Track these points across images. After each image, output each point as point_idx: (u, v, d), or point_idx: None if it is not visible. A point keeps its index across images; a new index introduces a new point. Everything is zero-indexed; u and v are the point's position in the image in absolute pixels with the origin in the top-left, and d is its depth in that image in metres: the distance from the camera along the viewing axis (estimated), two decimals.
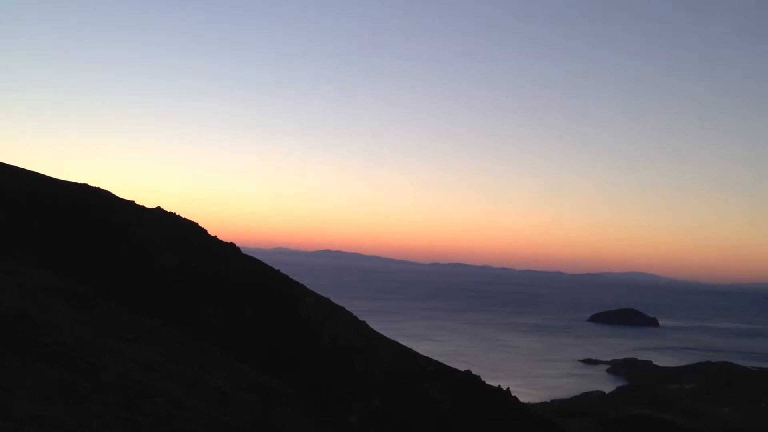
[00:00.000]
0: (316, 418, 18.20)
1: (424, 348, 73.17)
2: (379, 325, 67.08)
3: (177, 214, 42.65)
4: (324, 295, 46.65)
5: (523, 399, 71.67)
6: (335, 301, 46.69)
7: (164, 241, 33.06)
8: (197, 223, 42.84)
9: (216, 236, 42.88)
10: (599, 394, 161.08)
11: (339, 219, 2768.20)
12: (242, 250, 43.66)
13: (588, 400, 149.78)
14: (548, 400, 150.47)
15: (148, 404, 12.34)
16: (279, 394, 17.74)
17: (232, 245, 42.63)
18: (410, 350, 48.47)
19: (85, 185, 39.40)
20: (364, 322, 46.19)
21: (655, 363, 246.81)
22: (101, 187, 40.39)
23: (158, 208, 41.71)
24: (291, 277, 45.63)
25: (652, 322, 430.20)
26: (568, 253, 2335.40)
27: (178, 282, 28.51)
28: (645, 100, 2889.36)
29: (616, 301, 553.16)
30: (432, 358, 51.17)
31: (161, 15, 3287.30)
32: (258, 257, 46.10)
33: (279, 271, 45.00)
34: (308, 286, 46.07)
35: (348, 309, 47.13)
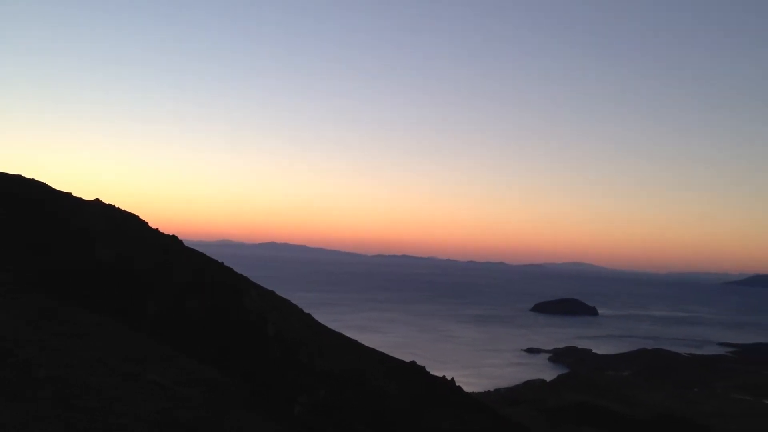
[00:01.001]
0: (260, 410, 17.96)
1: (369, 339, 73.30)
2: (325, 317, 66.91)
3: (116, 206, 41.59)
4: (269, 287, 46.22)
5: (467, 388, 72.68)
6: (280, 293, 46.36)
7: (102, 233, 32.13)
8: (137, 216, 41.85)
9: (157, 228, 41.98)
10: (541, 382, 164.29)
11: (285, 211, 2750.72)
12: (185, 243, 42.86)
13: (530, 388, 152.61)
14: (492, 389, 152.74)
15: (84, 400, 11.95)
16: (222, 388, 17.44)
17: (173, 238, 41.79)
18: (355, 342, 48.49)
19: (19, 176, 38.00)
20: (309, 314, 45.97)
21: (594, 351, 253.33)
22: (36, 179, 39.09)
23: (96, 201, 40.57)
24: (235, 269, 45.05)
25: (592, 312, 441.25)
26: (510, 245, 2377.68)
27: (116, 275, 27.77)
28: (580, 91, 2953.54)
29: (557, 292, 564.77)
30: (377, 349, 51.36)
31: None
32: (201, 250, 45.36)
33: (222, 263, 44.37)
34: (252, 279, 45.58)
35: (293, 301, 46.84)
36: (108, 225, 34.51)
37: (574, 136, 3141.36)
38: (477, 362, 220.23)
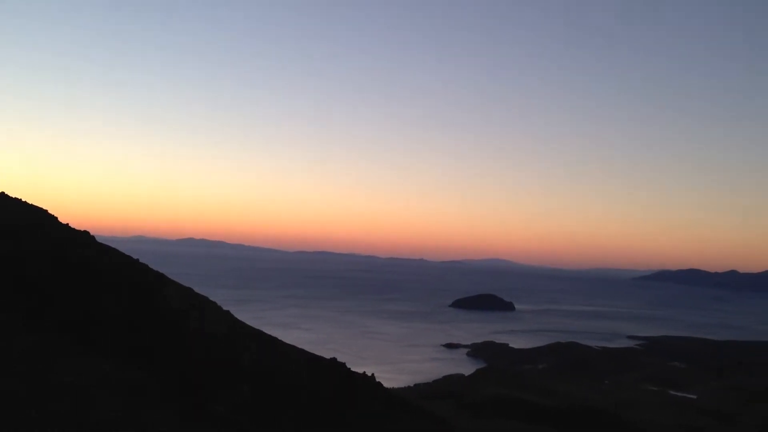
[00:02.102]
0: (180, 410, 17.52)
1: (290, 336, 72.73)
2: (245, 314, 65.92)
3: (24, 200, 39.76)
4: (187, 284, 45.11)
5: (387, 384, 73.09)
6: (199, 290, 45.31)
7: (6, 229, 30.58)
8: (46, 210, 40.12)
9: (68, 224, 40.35)
10: (460, 377, 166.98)
11: (203, 207, 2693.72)
12: (97, 239, 41.35)
13: (449, 382, 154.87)
14: (412, 385, 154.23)
15: None
16: (140, 388, 16.90)
17: (85, 233, 40.25)
18: (276, 339, 47.97)
19: None
20: (228, 311, 45.15)
21: (511, 345, 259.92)
22: None
23: (2, 194, 38.72)
24: (151, 266, 43.79)
25: (509, 307, 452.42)
26: (431, 242, 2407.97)
27: (24, 272, 26.50)
28: (502, 90, 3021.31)
29: (476, 288, 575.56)
30: (298, 346, 50.96)
31: None
32: (115, 246, 43.88)
33: (138, 260, 43.04)
34: (170, 276, 44.38)
35: (212, 299, 45.87)
36: (15, 219, 32.91)
37: (492, 135, 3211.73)
38: (397, 358, 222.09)
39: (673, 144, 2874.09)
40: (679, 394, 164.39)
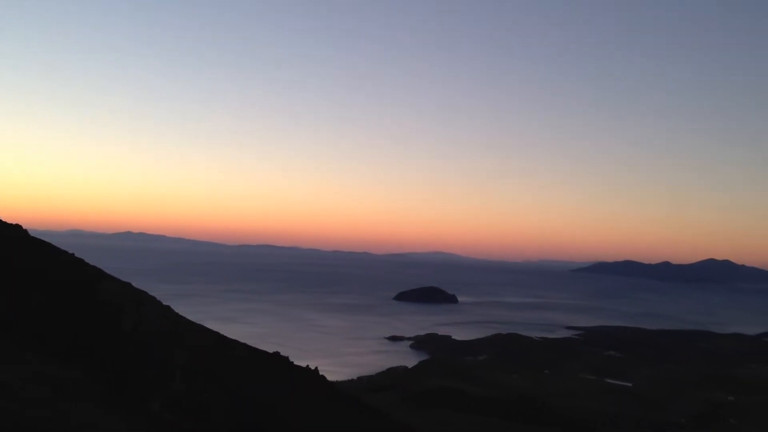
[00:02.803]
0: (115, 407, 17.19)
1: (233, 331, 71.84)
2: (186, 309, 64.87)
3: None
4: (124, 279, 44.17)
5: (331, 377, 73.15)
6: (137, 285, 44.40)
7: None
8: None
9: None
10: (403, 369, 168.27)
11: (141, 199, 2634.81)
12: (30, 233, 40.07)
13: (393, 374, 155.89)
14: (355, 377, 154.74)
15: None
16: (74, 385, 16.51)
17: (17, 227, 38.95)
18: (217, 333, 47.41)
19: None
20: (168, 306, 44.37)
21: (453, 337, 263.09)
22: None
23: None
24: (87, 260, 42.69)
25: (452, 299, 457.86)
26: (375, 235, 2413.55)
27: None
28: (449, 90, 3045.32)
29: (419, 280, 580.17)
30: (240, 340, 50.46)
31: None
32: (49, 240, 42.63)
33: (73, 254, 41.90)
34: (106, 270, 43.37)
35: (151, 293, 45.02)
36: None
37: (433, 129, 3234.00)
38: (341, 351, 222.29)
39: (608, 141, 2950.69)
40: (614, 382, 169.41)
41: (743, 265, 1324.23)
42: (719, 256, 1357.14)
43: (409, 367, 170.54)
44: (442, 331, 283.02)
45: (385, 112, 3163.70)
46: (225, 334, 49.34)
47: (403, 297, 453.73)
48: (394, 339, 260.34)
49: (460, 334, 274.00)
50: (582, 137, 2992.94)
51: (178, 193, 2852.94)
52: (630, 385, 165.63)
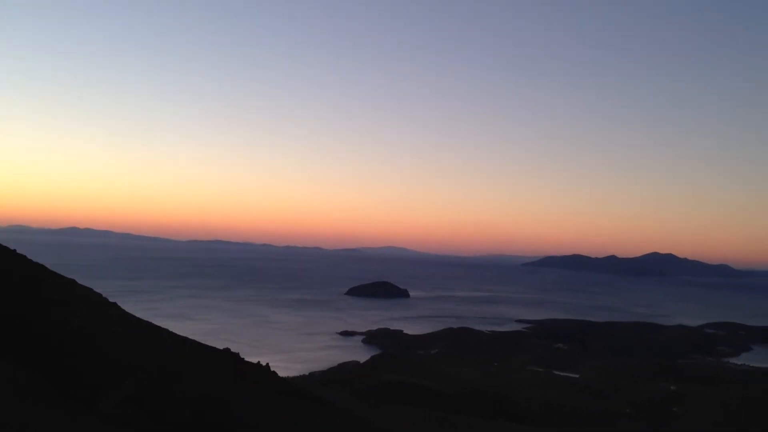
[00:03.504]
0: (63, 407, 16.88)
1: (183, 328, 71.15)
2: (135, 306, 63.98)
3: None
4: (70, 276, 43.28)
5: (283, 373, 72.88)
6: (83, 282, 43.57)
7: None
8: None
9: None
10: (355, 364, 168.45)
11: (87, 194, 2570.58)
12: None
13: (345, 370, 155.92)
14: (307, 373, 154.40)
15: None
16: (19, 385, 16.15)
17: None
18: (167, 331, 46.79)
19: None
20: (116, 303, 43.65)
21: (405, 331, 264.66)
22: None
23: None
24: (30, 257, 41.68)
25: (404, 294, 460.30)
26: (327, 230, 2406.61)
27: None
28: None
29: (371, 275, 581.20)
30: (190, 337, 49.91)
31: None
32: None
33: (15, 251, 40.82)
34: (51, 267, 42.42)
35: (98, 290, 44.23)
36: None
37: (386, 124, 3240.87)
38: (292, 347, 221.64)
39: (555, 139, 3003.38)
40: (562, 374, 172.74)
41: (685, 259, 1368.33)
42: (663, 250, 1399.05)
43: (361, 361, 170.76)
44: (394, 325, 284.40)
45: (335, 107, 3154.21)
46: (175, 331, 48.77)
47: (355, 292, 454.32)
48: (346, 334, 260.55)
49: (411, 329, 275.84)
50: (531, 135, 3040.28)
51: (125, 187, 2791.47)
52: (577, 376, 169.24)
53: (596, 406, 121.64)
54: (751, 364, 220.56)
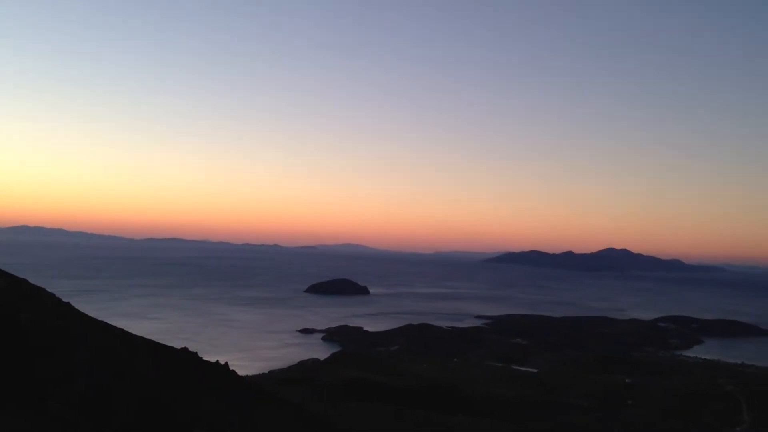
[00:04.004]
0: (11, 408, 16.48)
1: (139, 327, 70.00)
2: (89, 306, 62.66)
3: None
4: (20, 275, 42.26)
5: (242, 372, 72.17)
6: (34, 281, 42.56)
7: None
8: None
9: None
10: (315, 361, 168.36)
11: (38, 191, 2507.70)
12: None
13: (305, 367, 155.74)
14: (267, 371, 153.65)
15: None
16: None
17: None
18: (121, 330, 46.00)
19: None
20: (68, 303, 42.72)
21: (365, 328, 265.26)
22: None
23: None
24: None
25: (364, 291, 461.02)
26: (285, 227, 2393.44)
27: None
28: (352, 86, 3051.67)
29: (331, 273, 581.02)
30: (146, 337, 49.16)
31: None
32: None
33: None
34: (0, 266, 41.40)
35: (50, 290, 43.25)
36: None
37: (342, 120, 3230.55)
38: (252, 345, 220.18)
39: (513, 137, 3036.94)
40: (521, 368, 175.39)
41: (640, 254, 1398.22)
42: (618, 246, 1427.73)
43: (321, 359, 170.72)
44: (353, 322, 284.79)
45: (289, 103, 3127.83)
46: (130, 331, 47.98)
47: (315, 289, 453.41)
48: (305, 332, 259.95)
49: (371, 326, 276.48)
50: (489, 133, 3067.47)
51: (78, 185, 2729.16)
52: (535, 371, 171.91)
53: (551, 399, 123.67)
54: (702, 357, 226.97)
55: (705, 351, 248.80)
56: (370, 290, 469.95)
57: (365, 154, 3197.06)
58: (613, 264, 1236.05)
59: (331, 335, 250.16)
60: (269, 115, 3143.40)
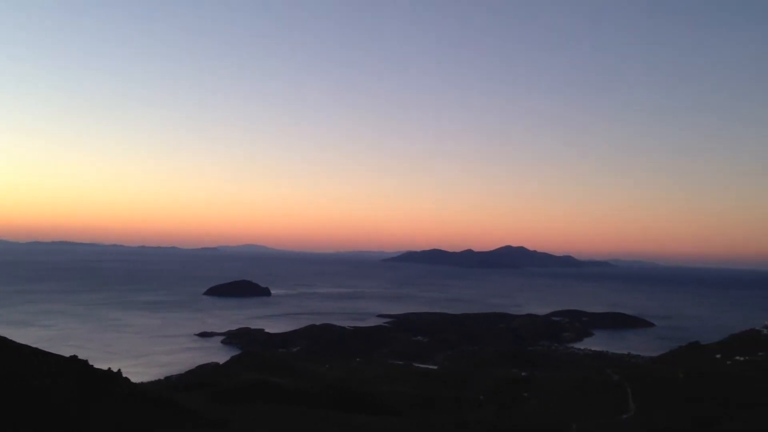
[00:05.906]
0: None
1: (25, 335, 66.53)
2: None
3: None
4: None
5: (136, 379, 70.19)
6: None
7: None
8: None
9: None
10: (214, 365, 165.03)
11: None
12: None
13: (203, 372, 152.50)
14: (163, 377, 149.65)
15: None
16: None
17: None
18: (5, 339, 43.70)
19: None
20: None
21: (266, 330, 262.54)
22: None
23: None
24: None
25: (265, 292, 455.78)
26: (184, 228, 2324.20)
27: None
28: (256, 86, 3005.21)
29: (232, 274, 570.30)
30: (32, 345, 46.89)
31: None
32: None
33: None
34: None
35: None
36: None
37: (244, 122, 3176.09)
38: (147, 350, 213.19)
39: (413, 139, 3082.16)
40: (421, 365, 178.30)
41: (535, 251, 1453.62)
42: (515, 243, 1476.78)
43: (221, 363, 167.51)
44: (255, 324, 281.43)
45: (183, 100, 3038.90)
46: (15, 339, 45.61)
47: (215, 291, 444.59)
48: (204, 335, 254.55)
49: (273, 327, 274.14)
50: (388, 134, 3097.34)
51: None
52: (435, 367, 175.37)
53: (451, 395, 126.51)
54: (592, 348, 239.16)
55: (595, 343, 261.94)
56: (272, 291, 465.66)
57: (265, 153, 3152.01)
58: (511, 261, 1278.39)
59: (231, 338, 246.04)
60: (165, 112, 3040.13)
